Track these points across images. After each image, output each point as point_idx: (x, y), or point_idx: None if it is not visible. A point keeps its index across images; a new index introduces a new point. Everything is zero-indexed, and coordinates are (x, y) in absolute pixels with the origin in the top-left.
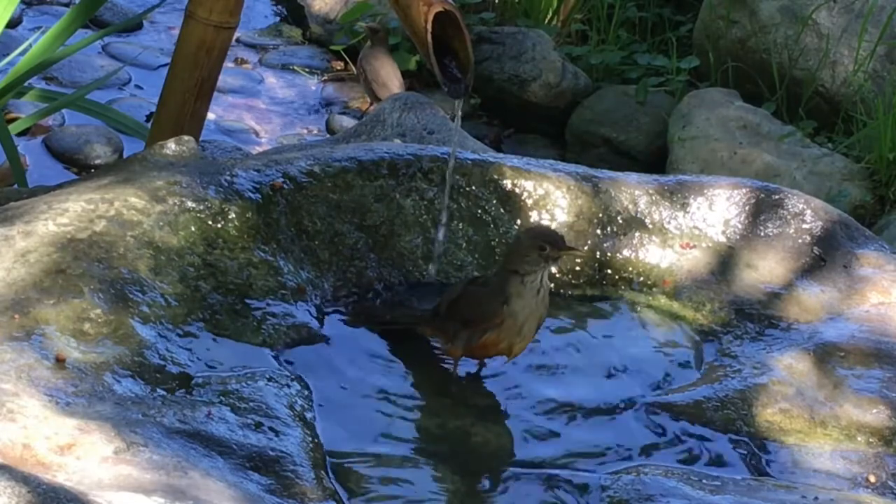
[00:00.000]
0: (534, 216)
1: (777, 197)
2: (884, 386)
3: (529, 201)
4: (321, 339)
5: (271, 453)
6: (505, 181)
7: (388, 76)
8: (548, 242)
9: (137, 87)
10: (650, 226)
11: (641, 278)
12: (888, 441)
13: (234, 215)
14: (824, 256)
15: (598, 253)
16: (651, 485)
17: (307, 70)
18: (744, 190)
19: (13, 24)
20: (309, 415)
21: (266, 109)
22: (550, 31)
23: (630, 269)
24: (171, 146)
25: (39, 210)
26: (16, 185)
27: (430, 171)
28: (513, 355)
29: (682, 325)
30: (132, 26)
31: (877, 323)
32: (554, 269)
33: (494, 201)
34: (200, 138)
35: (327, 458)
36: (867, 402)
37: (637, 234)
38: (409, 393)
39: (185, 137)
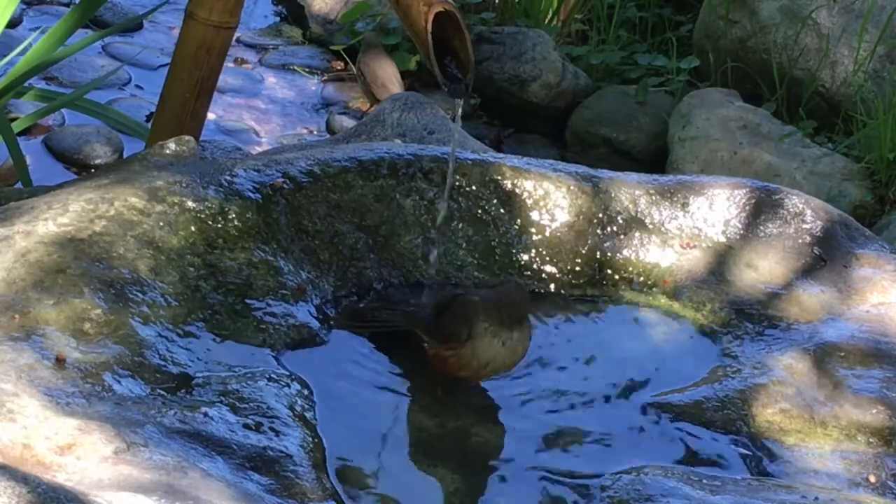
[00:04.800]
0: (534, 216)
1: (777, 197)
2: (884, 386)
3: (529, 201)
4: (321, 339)
5: (271, 453)
6: (505, 181)
7: (388, 77)
8: (505, 311)
9: (137, 87)
10: (650, 226)
11: (641, 278)
12: (888, 441)
13: (234, 215)
14: (824, 256)
15: (598, 253)
16: (651, 485)
17: (307, 70)
18: (744, 190)
19: (13, 24)
20: (309, 415)
21: (266, 109)
22: (550, 31)
23: (630, 269)
24: (171, 146)
25: (39, 210)
26: (19, 184)
27: (430, 171)
28: (479, 380)
29: (682, 325)
30: (132, 26)
31: (876, 323)
32: (554, 270)
33: (494, 201)
34: (200, 138)
35: (327, 457)
36: (867, 402)
37: (637, 234)
38: (408, 393)
39: (185, 137)
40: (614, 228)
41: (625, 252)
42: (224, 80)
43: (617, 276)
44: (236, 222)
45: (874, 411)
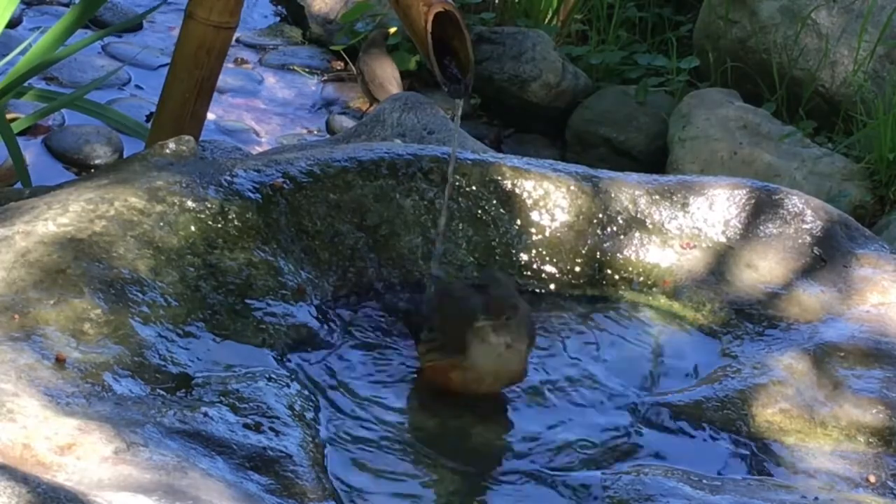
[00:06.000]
0: (534, 216)
1: (777, 197)
2: (884, 386)
3: (529, 201)
4: (321, 339)
5: (271, 453)
6: (505, 181)
7: (387, 77)
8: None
9: (137, 87)
10: (650, 226)
11: (641, 278)
12: (888, 441)
13: (234, 215)
14: (824, 256)
15: (598, 253)
16: (651, 485)
17: (307, 70)
18: (744, 190)
19: (13, 24)
20: (309, 415)
21: (266, 109)
22: (550, 31)
23: (630, 269)
24: (171, 146)
25: (39, 210)
26: (19, 184)
27: (430, 171)
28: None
29: (682, 325)
30: (132, 26)
31: (876, 323)
32: (554, 270)
33: (494, 201)
34: (200, 138)
35: (327, 457)
36: (867, 402)
37: (637, 234)
38: (409, 393)
39: (185, 137)
40: (614, 228)
41: (625, 252)
42: (224, 80)
43: (617, 276)
44: (236, 222)
45: (874, 411)
